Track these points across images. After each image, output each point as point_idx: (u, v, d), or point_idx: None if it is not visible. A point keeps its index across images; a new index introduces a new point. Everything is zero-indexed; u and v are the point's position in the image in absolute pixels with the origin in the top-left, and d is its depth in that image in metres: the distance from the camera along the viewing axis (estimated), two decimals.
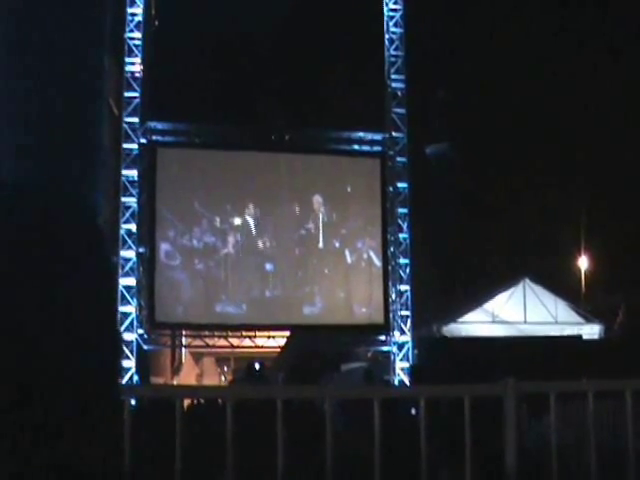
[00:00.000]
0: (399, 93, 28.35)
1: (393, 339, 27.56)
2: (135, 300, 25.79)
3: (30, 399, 1.50)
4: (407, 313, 27.64)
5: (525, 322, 27.19)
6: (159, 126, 26.97)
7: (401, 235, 27.84)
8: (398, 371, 27.18)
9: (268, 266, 27.22)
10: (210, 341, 28.06)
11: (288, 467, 3.64)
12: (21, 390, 1.50)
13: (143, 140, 26.61)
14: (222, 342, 27.94)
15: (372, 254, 28.04)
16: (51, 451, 1.52)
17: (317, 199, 27.78)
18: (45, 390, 1.51)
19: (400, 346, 27.48)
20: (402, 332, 27.55)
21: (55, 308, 1.55)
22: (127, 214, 26.11)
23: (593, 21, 32.01)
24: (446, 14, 31.40)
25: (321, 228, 27.75)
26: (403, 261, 27.81)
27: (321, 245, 27.71)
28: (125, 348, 24.11)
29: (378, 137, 28.46)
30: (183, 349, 30.37)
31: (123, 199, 26.20)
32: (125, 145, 26.39)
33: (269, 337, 27.37)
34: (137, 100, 26.52)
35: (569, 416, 5.54)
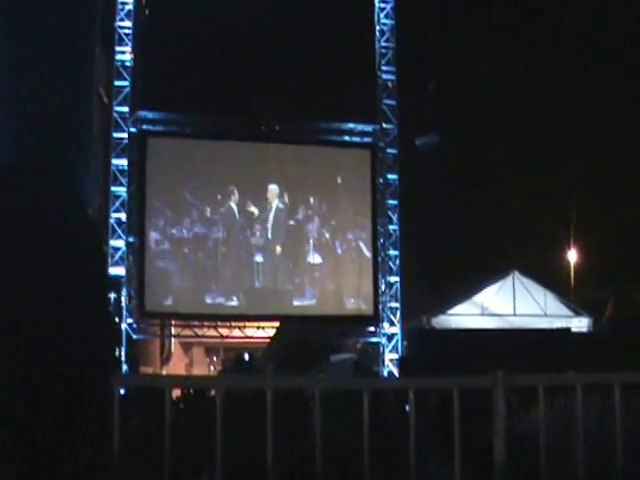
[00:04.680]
0: (390, 85, 28.40)
1: (382, 330, 27.63)
2: (125, 289, 25.79)
3: (27, 389, 1.51)
4: (396, 305, 27.72)
5: (514, 315, 27.23)
6: (149, 115, 26.93)
7: (391, 227, 27.90)
8: (387, 362, 27.25)
9: (258, 257, 27.23)
10: (199, 331, 28.08)
11: (276, 456, 3.65)
12: (17, 379, 1.51)
13: (133, 129, 26.60)
14: (211, 332, 27.96)
15: (362, 245, 28.08)
16: (51, 440, 1.53)
17: (315, 189, 27.82)
18: (42, 378, 1.52)
19: (389, 337, 27.55)
20: (391, 323, 27.62)
21: (50, 293, 1.55)
22: (117, 203, 26.11)
23: (586, 11, 32.03)
24: (437, 6, 31.37)
25: (311, 219, 27.75)
26: (393, 253, 27.87)
27: (311, 236, 27.71)
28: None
29: (368, 128, 28.49)
30: (172, 339, 30.33)
31: (113, 188, 26.19)
32: (115, 134, 26.39)
33: (258, 328, 27.37)
34: (127, 89, 26.52)
35: (557, 408, 5.56)
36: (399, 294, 27.79)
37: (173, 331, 29.31)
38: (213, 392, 4.34)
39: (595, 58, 31.99)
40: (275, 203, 27.67)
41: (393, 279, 27.83)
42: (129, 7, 26.89)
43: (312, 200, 27.83)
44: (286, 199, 27.68)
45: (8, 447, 1.45)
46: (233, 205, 27.22)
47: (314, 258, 27.70)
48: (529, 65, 32.83)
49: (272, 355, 23.40)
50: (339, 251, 27.94)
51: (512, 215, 32.89)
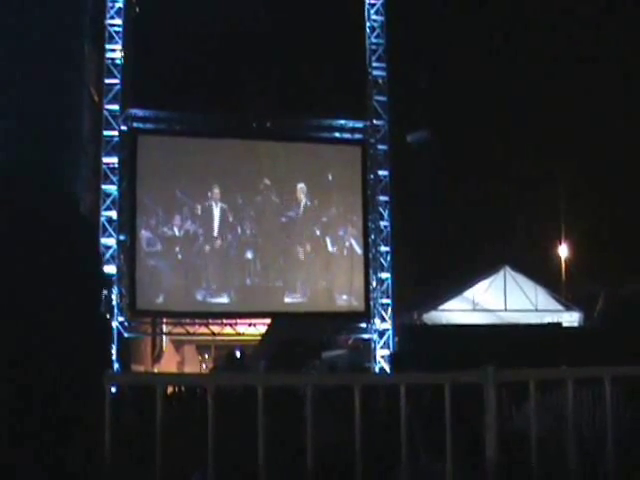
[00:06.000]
0: (380, 81, 28.40)
1: (374, 327, 27.64)
2: (116, 288, 25.75)
3: (18, 387, 1.51)
4: (388, 301, 27.73)
5: (505, 310, 27.27)
6: (140, 113, 26.89)
7: (382, 223, 27.91)
8: (379, 358, 27.26)
9: (249, 254, 27.21)
10: (191, 329, 28.07)
11: (269, 453, 3.65)
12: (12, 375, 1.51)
13: (124, 127, 26.55)
14: (203, 330, 27.95)
15: (353, 242, 28.08)
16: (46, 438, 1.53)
17: (301, 187, 27.84)
18: (33, 376, 1.52)
19: (381, 333, 27.56)
20: (383, 320, 27.63)
21: (45, 292, 1.55)
22: (108, 201, 26.06)
23: (582, 7, 32.07)
24: (427, 2, 31.38)
25: (302, 216, 27.76)
26: (384, 249, 27.88)
27: (302, 233, 27.72)
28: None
29: (359, 125, 28.49)
30: (164, 337, 30.31)
31: (103, 186, 26.14)
32: (105, 132, 26.32)
33: (250, 325, 27.38)
34: (118, 87, 26.45)
35: (549, 403, 5.57)
36: (390, 290, 27.81)
37: (164, 329, 29.27)
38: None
39: (591, 55, 32.02)
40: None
41: (384, 275, 27.85)
42: (119, 5, 26.81)
43: (302, 197, 27.82)
44: (278, 195, 27.68)
45: (3, 445, 1.46)
46: (224, 202, 27.20)
47: (305, 255, 27.71)
48: (521, 61, 32.86)
49: (264, 352, 23.41)
50: (330, 248, 27.94)
51: (503, 210, 32.95)
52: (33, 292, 1.47)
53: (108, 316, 24.24)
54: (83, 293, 1.55)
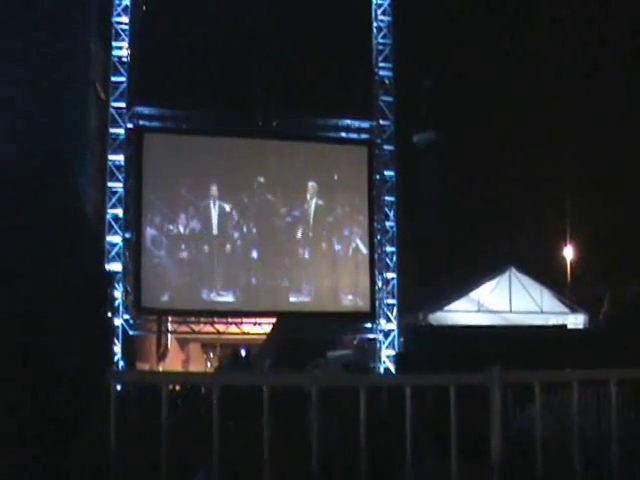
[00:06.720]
0: (387, 81, 28.37)
1: (379, 327, 27.62)
2: (121, 285, 25.77)
3: (20, 387, 1.51)
4: (393, 301, 27.70)
5: (510, 311, 27.25)
6: (146, 111, 26.88)
7: (388, 223, 27.88)
8: (384, 359, 27.24)
9: (254, 253, 27.21)
10: (196, 327, 28.05)
11: (274, 452, 3.65)
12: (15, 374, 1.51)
13: (130, 125, 26.56)
14: (208, 328, 27.93)
15: (359, 242, 28.07)
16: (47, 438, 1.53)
17: (312, 185, 27.84)
18: (39, 376, 1.52)
19: (386, 334, 27.53)
20: (388, 320, 27.60)
21: (47, 292, 1.55)
22: (113, 199, 26.06)
23: (585, 6, 32.05)
24: (434, 3, 31.37)
25: (308, 215, 27.75)
26: (389, 249, 27.85)
27: (308, 232, 27.70)
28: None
29: (365, 125, 28.47)
30: (169, 335, 30.32)
31: (109, 184, 26.15)
32: (112, 130, 26.33)
33: (255, 324, 27.35)
34: (124, 85, 26.45)
35: (554, 405, 5.57)
36: (396, 290, 27.77)
37: (170, 327, 29.29)
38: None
39: (593, 54, 32.01)
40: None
41: (390, 275, 27.82)
42: (126, 2, 26.83)
43: (308, 196, 27.82)
44: (283, 195, 27.68)
45: (4, 446, 1.46)
46: (229, 201, 27.21)
47: (311, 254, 27.70)
48: (526, 61, 32.84)
49: (268, 351, 23.39)
50: (336, 247, 27.93)
51: (509, 211, 32.93)
52: (32, 291, 1.46)
53: (111, 315, 24.27)
54: (83, 292, 1.54)
